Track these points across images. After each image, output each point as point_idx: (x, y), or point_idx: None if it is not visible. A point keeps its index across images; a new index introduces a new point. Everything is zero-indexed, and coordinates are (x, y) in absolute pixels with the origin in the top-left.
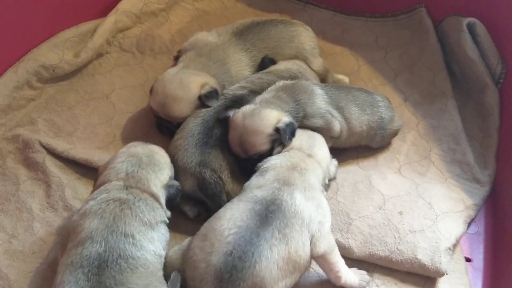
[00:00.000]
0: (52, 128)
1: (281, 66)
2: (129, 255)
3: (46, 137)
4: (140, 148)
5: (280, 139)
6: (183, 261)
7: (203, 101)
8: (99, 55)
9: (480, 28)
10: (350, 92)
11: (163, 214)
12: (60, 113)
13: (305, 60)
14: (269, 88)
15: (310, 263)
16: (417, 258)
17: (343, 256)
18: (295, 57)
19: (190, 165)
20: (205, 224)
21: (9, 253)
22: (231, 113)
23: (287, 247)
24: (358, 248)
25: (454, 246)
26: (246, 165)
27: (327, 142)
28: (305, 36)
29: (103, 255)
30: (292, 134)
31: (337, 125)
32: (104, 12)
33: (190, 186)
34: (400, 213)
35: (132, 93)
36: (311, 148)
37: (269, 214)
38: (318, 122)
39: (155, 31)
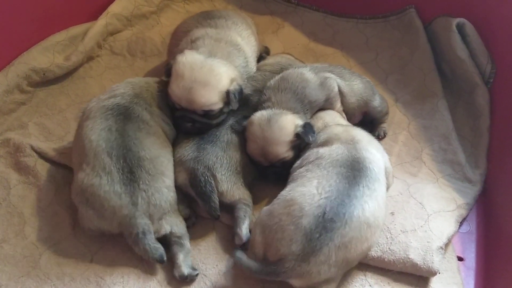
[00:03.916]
0: (43, 132)
1: (271, 60)
2: (145, 119)
3: (37, 141)
4: None
5: (304, 141)
6: (262, 231)
7: (229, 97)
8: (89, 58)
9: (470, 28)
10: (332, 64)
11: None
12: (51, 117)
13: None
14: (267, 92)
15: None
16: (409, 258)
17: None
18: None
19: (185, 159)
20: (283, 193)
21: (0, 258)
22: (244, 122)
23: (376, 202)
24: None
25: (446, 245)
26: (267, 172)
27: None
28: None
29: (129, 108)
30: (313, 132)
31: (334, 82)
32: (94, 16)
33: (183, 180)
34: (392, 213)
35: None
36: (335, 120)
37: (356, 173)
38: (319, 94)
39: (146, 34)
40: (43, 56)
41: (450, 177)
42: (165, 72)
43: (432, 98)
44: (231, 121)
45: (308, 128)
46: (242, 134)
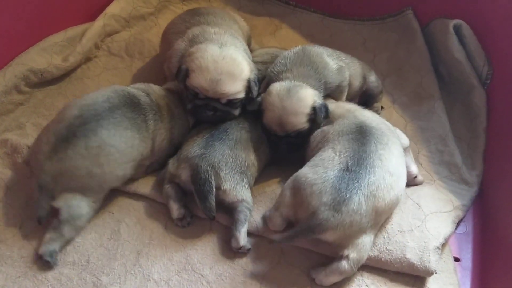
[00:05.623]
0: None
1: (258, 51)
2: (147, 120)
3: None
4: None
5: (316, 117)
6: (292, 192)
7: (251, 86)
8: (87, 59)
9: (466, 30)
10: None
11: None
12: (48, 118)
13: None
14: (285, 62)
15: None
16: (406, 258)
17: (332, 257)
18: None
19: (191, 156)
20: (303, 170)
21: None
22: (259, 98)
23: (391, 152)
24: None
25: (443, 246)
26: (281, 143)
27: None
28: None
29: (135, 95)
30: (327, 113)
31: (347, 72)
32: (92, 16)
33: (186, 176)
34: None
35: None
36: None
37: (364, 134)
38: (335, 79)
39: (144, 35)
40: (41, 57)
41: (446, 178)
42: (181, 78)
43: (429, 99)
44: (241, 119)
45: (324, 107)
46: (254, 131)
